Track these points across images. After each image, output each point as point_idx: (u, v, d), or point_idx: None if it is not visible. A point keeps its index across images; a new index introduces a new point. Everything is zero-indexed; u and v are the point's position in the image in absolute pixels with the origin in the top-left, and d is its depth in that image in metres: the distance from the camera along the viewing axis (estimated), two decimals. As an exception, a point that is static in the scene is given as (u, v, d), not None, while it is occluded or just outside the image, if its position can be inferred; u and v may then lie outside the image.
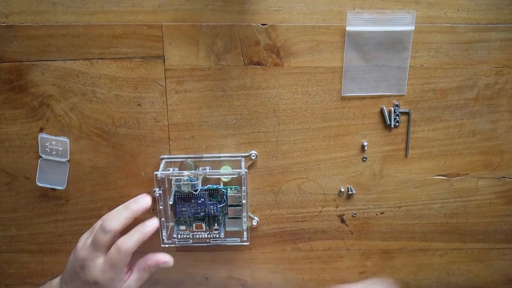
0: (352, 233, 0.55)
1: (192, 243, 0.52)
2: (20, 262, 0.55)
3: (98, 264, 0.44)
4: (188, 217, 0.52)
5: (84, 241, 0.47)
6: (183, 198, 0.51)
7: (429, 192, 0.54)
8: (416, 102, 0.51)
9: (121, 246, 0.44)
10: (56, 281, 0.49)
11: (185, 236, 0.52)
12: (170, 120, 0.50)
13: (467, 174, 0.53)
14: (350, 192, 0.53)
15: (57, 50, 0.48)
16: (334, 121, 0.51)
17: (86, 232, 0.48)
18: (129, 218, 0.46)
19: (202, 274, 0.56)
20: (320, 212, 0.54)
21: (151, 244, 0.54)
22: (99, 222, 0.47)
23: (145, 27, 0.47)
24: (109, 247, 0.45)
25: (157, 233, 0.51)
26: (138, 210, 0.46)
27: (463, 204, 0.54)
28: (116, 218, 0.45)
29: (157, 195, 0.50)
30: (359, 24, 0.48)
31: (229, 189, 0.51)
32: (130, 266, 0.48)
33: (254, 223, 0.54)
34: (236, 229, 0.53)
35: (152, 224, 0.47)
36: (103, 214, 0.53)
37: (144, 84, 0.49)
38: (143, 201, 0.47)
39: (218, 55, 0.48)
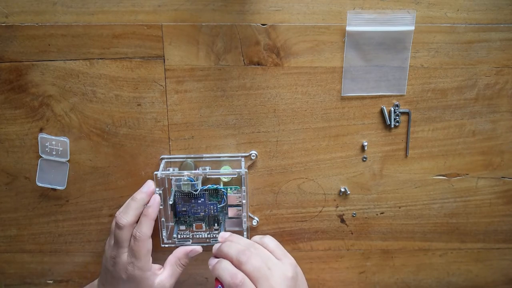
0: (352, 233, 0.55)
1: (192, 243, 0.52)
2: (20, 262, 0.55)
3: (125, 259, 0.47)
4: (188, 217, 0.52)
5: (108, 242, 0.49)
6: (183, 198, 0.51)
7: (429, 192, 0.54)
8: (416, 102, 0.51)
9: (136, 234, 0.46)
10: (95, 282, 0.52)
11: (185, 236, 0.52)
12: (170, 120, 0.50)
13: (467, 174, 0.53)
14: (346, 193, 0.53)
15: (57, 50, 0.48)
16: (334, 121, 0.51)
17: (109, 237, 0.50)
18: (138, 208, 0.48)
19: (202, 274, 0.56)
20: (320, 212, 0.54)
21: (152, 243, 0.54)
22: (113, 222, 0.49)
23: (145, 27, 0.47)
24: (130, 240, 0.47)
25: (157, 233, 0.51)
26: (144, 198, 0.49)
27: (463, 204, 0.54)
28: (126, 212, 0.48)
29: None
30: (359, 24, 0.48)
31: (229, 189, 0.51)
32: (163, 264, 0.50)
33: (254, 223, 0.54)
34: (236, 229, 0.53)
35: (153, 202, 0.48)
36: (103, 214, 0.53)
37: (144, 84, 0.49)
38: (147, 187, 0.49)
39: (218, 55, 0.48)
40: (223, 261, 0.45)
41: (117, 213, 0.48)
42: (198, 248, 0.51)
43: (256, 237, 0.49)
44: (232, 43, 0.48)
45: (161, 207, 0.50)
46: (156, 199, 0.48)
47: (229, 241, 0.47)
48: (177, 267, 0.50)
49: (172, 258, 0.50)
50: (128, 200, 0.49)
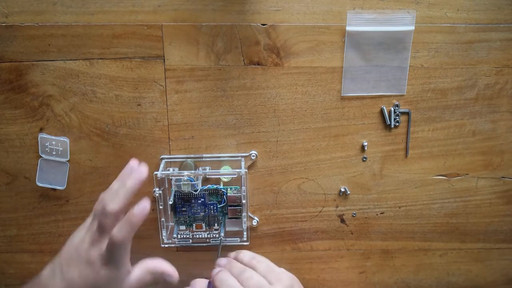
0: (352, 233, 0.55)
1: (192, 243, 0.52)
2: (20, 262, 0.55)
3: (104, 247, 0.42)
4: (188, 217, 0.52)
5: (90, 223, 0.44)
6: (183, 198, 0.51)
7: (429, 192, 0.54)
8: (416, 102, 0.51)
9: (113, 238, 0.41)
10: (46, 271, 0.45)
11: (185, 236, 0.52)
12: (170, 120, 0.50)
13: (467, 174, 0.53)
14: (346, 193, 0.53)
15: (57, 50, 0.48)
16: (334, 121, 0.51)
17: (89, 217, 0.46)
18: (128, 196, 0.42)
19: (202, 274, 0.56)
20: (320, 212, 0.54)
21: (151, 243, 0.54)
22: (98, 205, 0.43)
23: (145, 27, 0.47)
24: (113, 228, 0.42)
25: (157, 233, 0.51)
26: (134, 186, 0.42)
27: (463, 204, 0.54)
28: (114, 199, 0.42)
29: (157, 195, 0.50)
30: (359, 24, 0.48)
31: (229, 189, 0.51)
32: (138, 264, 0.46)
33: (254, 223, 0.54)
34: (236, 229, 0.53)
35: (141, 210, 0.41)
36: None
37: (144, 84, 0.49)
38: (139, 174, 0.42)
39: (218, 55, 0.48)
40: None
41: (104, 195, 0.43)
42: (175, 278, 0.45)
43: (246, 254, 0.49)
44: (232, 43, 0.48)
45: (161, 207, 0.50)
46: (146, 209, 0.41)
47: (224, 269, 0.46)
48: (148, 275, 0.45)
49: (149, 265, 0.45)
50: (116, 184, 0.43)
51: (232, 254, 0.51)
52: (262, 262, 0.48)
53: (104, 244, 0.42)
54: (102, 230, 0.43)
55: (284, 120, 0.51)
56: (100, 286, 0.43)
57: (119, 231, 0.41)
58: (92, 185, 0.52)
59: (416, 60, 0.49)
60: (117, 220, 0.42)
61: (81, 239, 0.44)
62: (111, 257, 0.42)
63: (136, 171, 0.43)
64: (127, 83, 0.49)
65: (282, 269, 0.48)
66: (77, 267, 0.43)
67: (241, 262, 0.48)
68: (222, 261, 0.49)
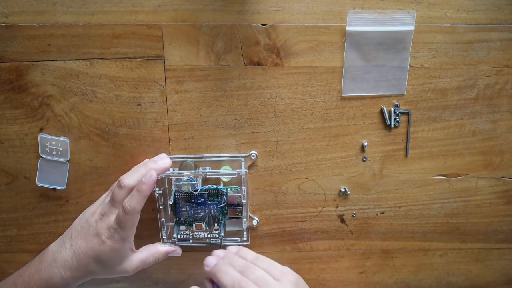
0: (352, 233, 0.55)
1: (192, 243, 0.52)
2: (20, 262, 0.55)
3: (112, 220, 0.46)
4: (188, 217, 0.52)
5: (103, 199, 0.50)
6: (183, 198, 0.51)
7: (429, 192, 0.54)
8: (416, 102, 0.51)
9: (125, 206, 0.45)
10: (54, 243, 0.50)
11: (185, 236, 0.52)
12: (170, 120, 0.50)
13: (467, 174, 0.53)
14: (346, 193, 0.53)
15: (57, 50, 0.48)
16: (334, 121, 0.51)
17: (105, 193, 0.51)
18: (144, 175, 0.47)
19: (202, 274, 0.56)
20: (320, 212, 0.54)
21: (151, 243, 0.54)
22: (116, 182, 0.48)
23: (145, 27, 0.47)
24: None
25: (157, 233, 0.51)
26: (154, 168, 0.47)
27: (463, 204, 0.54)
28: (131, 175, 0.47)
29: (157, 195, 0.50)
30: (359, 24, 0.48)
31: (229, 189, 0.51)
32: (141, 247, 0.51)
33: (254, 223, 0.54)
34: (236, 229, 0.53)
35: (148, 179, 0.46)
36: (103, 214, 0.53)
37: (144, 84, 0.49)
38: (162, 162, 0.48)
39: (218, 55, 0.48)
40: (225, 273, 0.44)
41: (124, 174, 0.48)
42: (178, 251, 0.52)
43: (249, 254, 0.48)
44: (232, 43, 0.48)
45: (161, 207, 0.50)
46: (152, 176, 0.46)
47: (224, 261, 0.46)
48: (152, 257, 0.50)
49: (152, 248, 0.51)
50: (139, 165, 0.49)
51: (233, 249, 0.50)
52: (265, 261, 0.47)
53: (112, 218, 0.47)
54: (114, 201, 0.47)
55: (284, 120, 0.51)
56: (104, 256, 0.47)
57: (130, 199, 0.46)
58: (92, 185, 0.52)
59: (416, 60, 0.49)
60: (128, 195, 0.47)
61: (92, 212, 0.49)
62: (119, 227, 0.46)
63: (162, 158, 0.49)
64: (127, 83, 0.49)
65: (287, 267, 0.47)
66: (85, 237, 0.47)
67: (244, 259, 0.48)
68: (219, 252, 0.49)
